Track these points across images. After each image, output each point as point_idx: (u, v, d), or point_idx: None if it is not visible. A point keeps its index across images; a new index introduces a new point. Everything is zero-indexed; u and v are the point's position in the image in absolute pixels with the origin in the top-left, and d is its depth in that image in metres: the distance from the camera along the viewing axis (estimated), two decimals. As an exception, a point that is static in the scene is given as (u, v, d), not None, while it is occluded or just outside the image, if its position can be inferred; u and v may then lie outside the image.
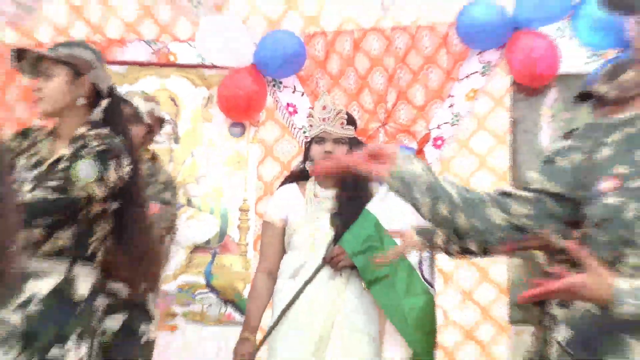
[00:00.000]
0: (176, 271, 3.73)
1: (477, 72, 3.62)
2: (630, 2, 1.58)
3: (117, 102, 2.63)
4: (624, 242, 1.52)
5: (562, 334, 1.67)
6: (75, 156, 2.45)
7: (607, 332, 1.60)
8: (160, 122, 3.22)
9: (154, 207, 2.94)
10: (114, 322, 3.05)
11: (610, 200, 1.51)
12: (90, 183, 2.45)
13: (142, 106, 3.10)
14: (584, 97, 2.30)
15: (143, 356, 3.18)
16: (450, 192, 1.55)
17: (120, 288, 2.89)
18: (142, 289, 2.92)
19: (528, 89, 3.59)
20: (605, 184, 1.55)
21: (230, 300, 3.83)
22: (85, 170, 2.49)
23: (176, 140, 3.84)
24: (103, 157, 2.46)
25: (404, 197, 1.56)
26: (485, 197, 1.59)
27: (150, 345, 3.22)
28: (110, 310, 2.89)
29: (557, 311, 1.88)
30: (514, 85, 3.61)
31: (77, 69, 2.40)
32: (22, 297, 2.46)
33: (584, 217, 1.57)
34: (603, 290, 1.48)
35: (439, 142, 3.58)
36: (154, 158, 3.21)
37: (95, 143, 2.44)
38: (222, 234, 3.81)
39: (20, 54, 2.46)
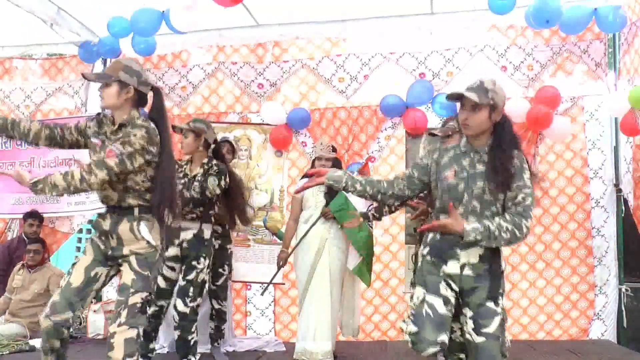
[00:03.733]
0: (250, 219, 5.43)
1: (390, 127, 5.85)
2: (454, 97, 2.68)
3: (218, 146, 4.34)
4: (456, 199, 2.63)
5: (425, 250, 2.75)
6: (205, 174, 4.04)
7: (446, 247, 2.67)
8: (236, 151, 5.12)
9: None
10: (215, 244, 4.58)
11: (451, 181, 2.65)
12: (215, 187, 4.02)
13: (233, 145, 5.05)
14: (431, 134, 3.95)
15: (229, 259, 4.85)
16: (360, 182, 2.72)
17: (218, 229, 4.58)
18: (234, 227, 4.70)
19: (413, 134, 5.63)
20: (448, 174, 2.68)
21: (275, 233, 5.59)
22: (212, 182, 4.04)
23: (250, 158, 5.85)
24: (219, 175, 4.05)
25: (337, 187, 2.75)
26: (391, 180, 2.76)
27: (231, 254, 4.93)
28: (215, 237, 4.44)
29: (425, 238, 2.82)
30: (406, 133, 5.72)
31: (199, 133, 4.08)
32: (178, 240, 4.04)
33: (434, 189, 2.69)
34: (459, 227, 2.52)
35: (373, 159, 5.80)
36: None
37: (215, 168, 4.07)
38: (271, 202, 5.80)
39: (174, 128, 3.99)
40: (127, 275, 2.83)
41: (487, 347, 2.54)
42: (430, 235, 2.75)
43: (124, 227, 2.86)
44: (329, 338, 4.57)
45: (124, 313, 2.75)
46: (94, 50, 5.98)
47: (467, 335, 2.61)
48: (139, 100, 2.94)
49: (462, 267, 2.63)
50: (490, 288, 2.60)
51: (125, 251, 2.86)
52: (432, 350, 2.53)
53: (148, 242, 2.87)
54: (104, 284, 2.95)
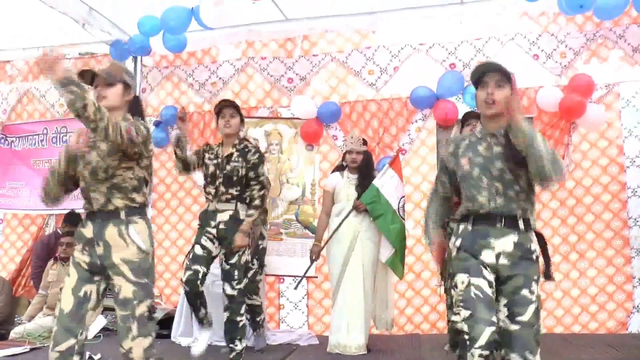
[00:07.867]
0: (282, 212, 5.87)
1: (420, 119, 5.81)
2: (480, 71, 2.67)
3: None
4: (474, 187, 2.64)
5: (458, 241, 2.70)
6: (243, 155, 4.07)
7: (479, 238, 2.62)
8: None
9: None
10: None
11: (465, 168, 2.70)
12: (266, 172, 4.25)
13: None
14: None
15: (260, 254, 4.96)
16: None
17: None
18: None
19: (443, 126, 5.63)
20: (462, 162, 2.73)
21: (307, 226, 5.80)
22: (263, 171, 4.15)
23: (281, 152, 6.00)
24: (262, 158, 4.17)
25: None
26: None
27: (264, 251, 5.05)
28: None
29: (455, 228, 2.75)
30: (437, 124, 5.69)
31: (243, 118, 4.20)
32: (214, 222, 4.05)
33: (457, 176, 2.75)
34: (518, 105, 2.46)
35: (403, 151, 5.71)
36: None
37: (253, 150, 4.14)
38: (303, 195, 5.90)
39: (224, 105, 4.16)
40: (126, 289, 2.68)
41: (521, 335, 2.51)
42: (462, 226, 2.69)
43: (110, 231, 2.70)
44: (362, 331, 4.60)
45: (134, 326, 2.64)
46: (125, 49, 6.06)
47: (501, 323, 2.57)
48: (133, 105, 2.89)
49: (498, 257, 2.59)
50: (525, 275, 2.57)
51: (115, 259, 2.69)
52: (489, 330, 2.46)
53: (139, 247, 2.72)
54: (98, 302, 2.76)
